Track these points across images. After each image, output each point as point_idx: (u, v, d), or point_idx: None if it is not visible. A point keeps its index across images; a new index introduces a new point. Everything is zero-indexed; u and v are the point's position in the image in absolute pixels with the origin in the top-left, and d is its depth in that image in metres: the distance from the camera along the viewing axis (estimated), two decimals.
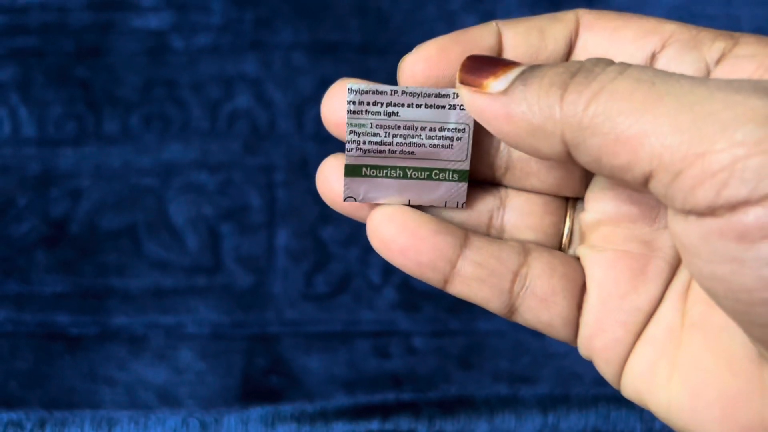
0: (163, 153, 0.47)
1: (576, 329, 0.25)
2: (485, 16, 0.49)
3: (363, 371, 0.46)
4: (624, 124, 0.20)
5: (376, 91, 0.24)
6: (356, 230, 0.47)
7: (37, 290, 0.46)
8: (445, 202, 0.25)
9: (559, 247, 0.26)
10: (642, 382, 0.24)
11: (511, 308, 0.25)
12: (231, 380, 0.46)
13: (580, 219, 0.26)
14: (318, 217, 0.47)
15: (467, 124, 0.24)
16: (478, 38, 0.24)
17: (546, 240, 0.26)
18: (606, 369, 0.25)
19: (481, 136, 0.25)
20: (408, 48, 0.24)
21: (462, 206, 0.25)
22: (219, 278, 0.46)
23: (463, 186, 0.25)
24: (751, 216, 0.18)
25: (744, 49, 0.23)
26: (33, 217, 0.47)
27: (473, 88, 0.22)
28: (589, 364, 0.25)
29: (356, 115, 0.24)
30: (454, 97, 0.24)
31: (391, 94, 0.24)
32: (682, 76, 0.20)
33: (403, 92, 0.24)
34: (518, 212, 0.26)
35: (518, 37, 0.24)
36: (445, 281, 0.25)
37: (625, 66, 0.21)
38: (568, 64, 0.21)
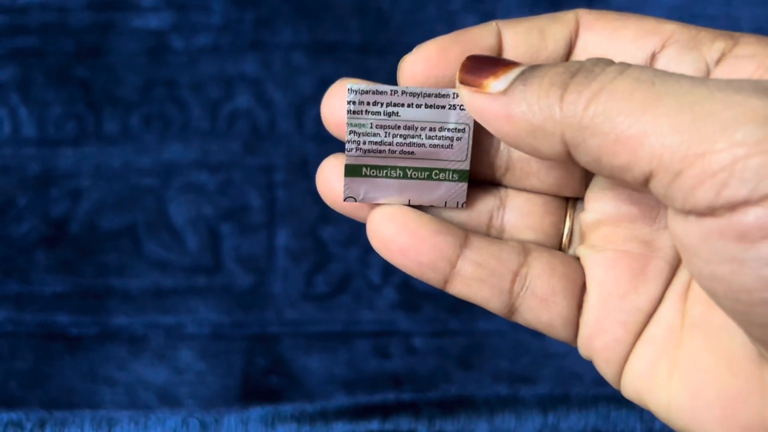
0: (163, 153, 0.47)
1: (576, 329, 0.25)
2: (485, 16, 0.49)
3: (363, 371, 0.46)
4: (624, 124, 0.20)
5: (376, 91, 0.24)
6: (356, 230, 0.47)
7: (37, 290, 0.46)
8: (445, 202, 0.25)
9: (559, 247, 0.26)
10: (642, 382, 0.24)
11: (511, 308, 0.25)
12: (231, 380, 0.46)
13: (580, 219, 0.26)
14: (318, 217, 0.47)
15: (467, 124, 0.24)
16: (478, 38, 0.24)
17: (546, 240, 0.26)
18: (606, 369, 0.25)
19: (481, 136, 0.25)
20: (408, 48, 0.24)
21: (462, 206, 0.25)
22: (219, 278, 0.46)
23: (463, 186, 0.25)
24: (750, 216, 0.18)
25: (744, 49, 0.23)
26: (33, 217, 0.47)
27: (473, 88, 0.22)
28: (589, 364, 0.25)
29: (356, 115, 0.24)
30: (454, 97, 0.24)
31: (391, 94, 0.24)
32: (681, 76, 0.20)
33: (403, 92, 0.24)
34: (518, 212, 0.26)
35: (518, 37, 0.24)
36: (445, 281, 0.25)
37: (624, 66, 0.21)
38: (567, 64, 0.21)
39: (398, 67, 0.24)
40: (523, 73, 0.22)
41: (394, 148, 0.24)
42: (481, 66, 0.23)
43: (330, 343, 0.46)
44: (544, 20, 0.24)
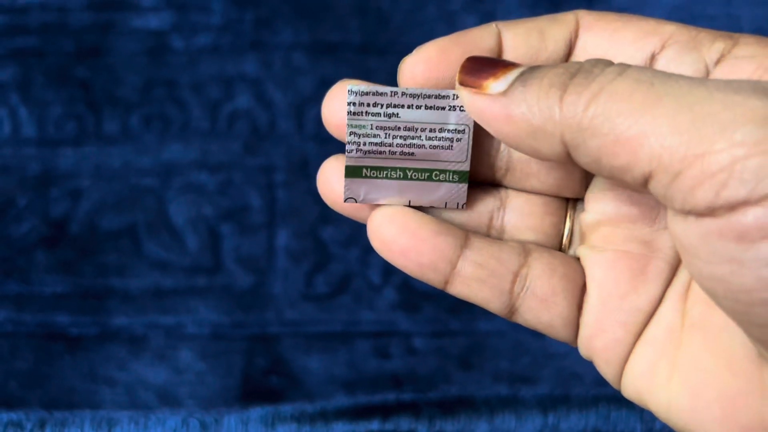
0: (163, 153, 0.47)
1: (576, 329, 0.25)
2: (485, 17, 0.49)
3: (363, 371, 0.46)
4: (623, 125, 0.20)
5: (377, 92, 0.24)
6: (356, 231, 0.47)
7: (37, 290, 0.46)
8: (446, 203, 0.25)
9: (560, 248, 0.26)
10: (642, 382, 0.24)
11: (512, 309, 0.25)
12: (231, 380, 0.46)
13: (580, 219, 0.26)
14: (318, 218, 0.47)
15: (467, 125, 0.24)
16: (478, 39, 0.24)
17: (546, 240, 0.26)
18: (606, 369, 0.25)
19: (481, 137, 0.25)
20: (408, 48, 0.24)
21: (462, 207, 0.25)
22: (219, 278, 0.47)
23: (464, 187, 0.25)
24: (750, 216, 0.18)
25: (743, 50, 0.23)
26: (33, 217, 0.47)
27: (473, 89, 0.22)
28: (589, 365, 0.25)
29: (356, 117, 0.24)
30: (454, 99, 0.24)
31: (391, 96, 0.24)
32: (681, 77, 0.20)
33: (403, 93, 0.24)
34: (518, 213, 0.26)
35: (518, 39, 0.24)
36: (446, 282, 0.25)
37: (624, 67, 0.21)
38: (567, 65, 0.21)
39: (398, 68, 0.24)
40: (522, 74, 0.22)
41: (395, 149, 0.24)
42: (481, 67, 0.23)
43: (330, 344, 0.46)
44: (543, 21, 0.24)
